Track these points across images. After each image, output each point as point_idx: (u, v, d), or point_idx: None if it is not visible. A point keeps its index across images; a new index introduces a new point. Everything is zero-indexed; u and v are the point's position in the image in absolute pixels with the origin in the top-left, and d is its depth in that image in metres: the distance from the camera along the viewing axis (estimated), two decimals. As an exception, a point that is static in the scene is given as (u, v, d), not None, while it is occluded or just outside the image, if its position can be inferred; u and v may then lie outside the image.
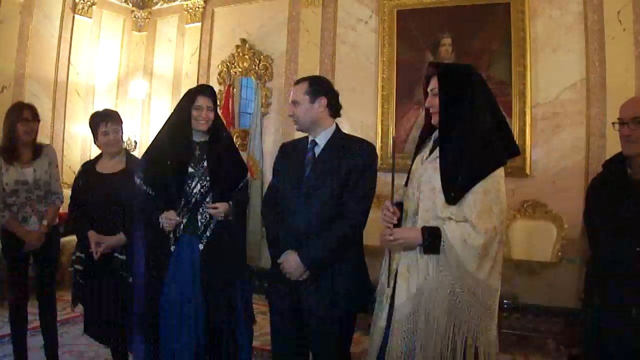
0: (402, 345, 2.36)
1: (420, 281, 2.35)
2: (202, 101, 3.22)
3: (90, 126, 3.66)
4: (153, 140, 3.44)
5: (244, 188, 3.39)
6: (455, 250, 2.26)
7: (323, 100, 2.87)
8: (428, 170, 2.44)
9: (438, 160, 2.42)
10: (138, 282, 3.32)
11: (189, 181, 3.18)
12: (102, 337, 3.65)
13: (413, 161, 2.64)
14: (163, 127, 3.40)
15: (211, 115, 3.25)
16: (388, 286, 2.52)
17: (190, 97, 3.25)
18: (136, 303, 3.28)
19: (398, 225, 2.48)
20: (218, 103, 3.74)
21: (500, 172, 2.39)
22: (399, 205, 2.61)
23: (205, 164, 3.23)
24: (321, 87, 2.91)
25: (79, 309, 3.76)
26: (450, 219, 2.32)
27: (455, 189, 2.33)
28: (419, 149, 2.67)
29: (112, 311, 3.47)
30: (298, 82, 2.96)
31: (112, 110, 3.82)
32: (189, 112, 3.23)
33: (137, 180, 3.28)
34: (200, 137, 3.28)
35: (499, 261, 2.38)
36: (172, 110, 3.44)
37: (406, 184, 2.64)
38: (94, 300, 3.55)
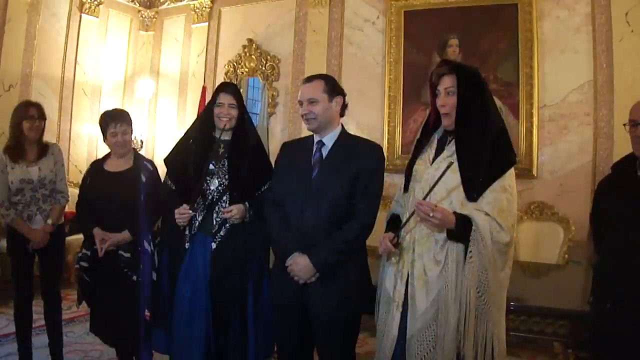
0: (424, 350, 2.35)
1: (441, 280, 2.33)
2: (223, 98, 3.22)
3: (100, 125, 3.66)
4: (182, 137, 3.47)
5: (269, 191, 3.26)
6: (485, 239, 2.26)
7: (340, 99, 2.85)
8: (441, 171, 2.39)
9: (452, 159, 2.39)
10: (147, 279, 3.39)
11: (209, 178, 3.18)
12: (107, 335, 3.64)
13: (413, 163, 2.60)
14: (192, 123, 3.49)
15: (233, 112, 3.22)
16: (395, 290, 2.49)
17: (213, 94, 3.28)
18: (147, 299, 3.36)
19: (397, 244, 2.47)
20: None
21: (512, 170, 2.42)
22: (396, 217, 2.64)
23: (226, 162, 3.23)
24: (337, 86, 2.89)
25: (85, 308, 3.76)
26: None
27: (476, 185, 2.33)
28: (418, 149, 2.63)
29: (116, 309, 3.46)
30: (310, 79, 2.88)
31: (123, 110, 3.82)
32: (211, 110, 3.25)
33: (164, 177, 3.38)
34: (225, 135, 3.28)
35: (511, 258, 2.41)
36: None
37: (405, 189, 2.60)
38: (98, 297, 3.55)
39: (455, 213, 2.31)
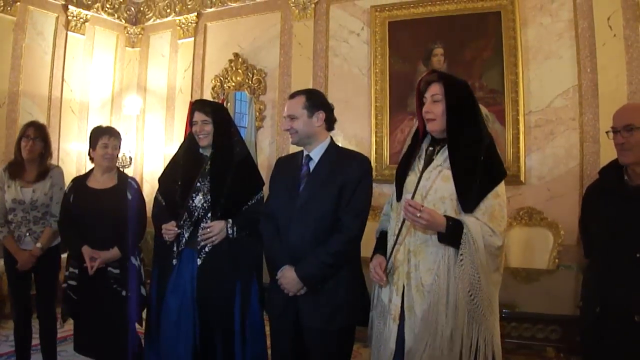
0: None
1: (434, 287, 2.34)
2: (197, 116, 3.26)
3: (91, 137, 3.69)
4: (174, 154, 3.52)
5: (257, 204, 3.31)
6: (477, 242, 2.26)
7: (321, 115, 2.88)
8: (433, 180, 2.42)
9: (443, 169, 2.42)
10: (136, 294, 3.45)
11: (194, 195, 3.19)
12: (97, 352, 3.62)
13: (404, 174, 2.59)
14: (183, 141, 3.57)
15: (207, 128, 3.24)
16: (392, 303, 2.49)
17: (189, 113, 3.31)
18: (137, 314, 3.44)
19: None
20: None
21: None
22: (385, 234, 2.65)
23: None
24: (319, 101, 2.91)
25: (70, 326, 3.75)
26: None
27: (472, 197, 2.35)
28: (409, 157, 2.63)
29: (106, 325, 3.47)
30: (294, 95, 2.93)
31: (115, 129, 3.84)
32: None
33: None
34: (209, 152, 3.30)
35: (502, 263, 2.43)
36: None
37: (398, 199, 2.59)
38: (86, 315, 3.55)
39: (446, 216, 2.32)
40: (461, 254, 2.29)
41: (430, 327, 2.32)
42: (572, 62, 5.49)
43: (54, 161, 6.88)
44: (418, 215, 2.25)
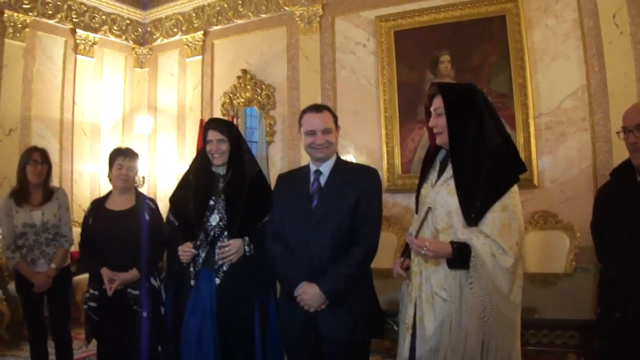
0: None
1: (448, 306, 2.31)
2: (211, 135, 3.24)
3: (109, 158, 3.73)
4: (184, 174, 3.50)
5: (270, 222, 3.25)
6: (486, 265, 2.22)
7: (339, 129, 2.95)
8: (441, 194, 2.40)
9: (450, 182, 2.39)
10: (156, 315, 3.48)
11: (208, 214, 3.18)
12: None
13: (421, 186, 2.60)
14: (193, 160, 3.55)
15: (223, 146, 3.22)
16: (406, 313, 2.50)
17: (203, 132, 3.31)
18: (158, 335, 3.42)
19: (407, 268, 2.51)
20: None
21: (514, 187, 2.37)
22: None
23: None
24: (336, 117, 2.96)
25: (94, 347, 3.77)
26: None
27: (474, 210, 2.30)
28: (424, 172, 2.63)
29: (127, 346, 3.49)
30: (320, 109, 2.91)
31: (132, 150, 3.85)
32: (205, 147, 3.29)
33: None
34: (222, 170, 3.29)
35: (521, 276, 2.37)
36: None
37: (417, 211, 2.60)
38: (108, 336, 3.56)
39: (452, 242, 2.28)
40: (471, 278, 2.25)
41: (441, 341, 2.30)
42: (579, 62, 5.48)
43: (67, 182, 7.07)
44: (423, 252, 2.26)
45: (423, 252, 2.25)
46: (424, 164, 2.66)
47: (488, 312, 2.24)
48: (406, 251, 2.60)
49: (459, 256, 2.25)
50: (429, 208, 2.35)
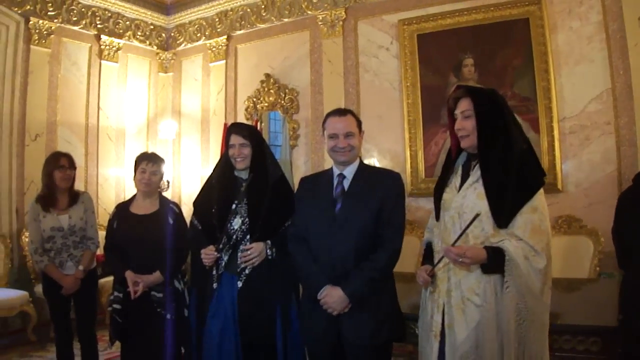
0: None
1: (481, 310, 2.30)
2: (234, 139, 3.28)
3: (135, 162, 3.80)
4: (207, 178, 3.55)
5: (292, 226, 3.24)
6: (520, 268, 2.23)
7: (363, 134, 2.97)
8: (469, 197, 2.39)
9: (478, 185, 2.38)
10: (180, 318, 3.53)
11: (231, 218, 3.21)
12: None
13: (442, 190, 2.57)
14: (216, 165, 3.57)
15: (246, 151, 3.25)
16: (433, 320, 2.47)
17: (226, 136, 3.34)
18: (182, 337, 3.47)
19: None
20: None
21: (541, 189, 2.38)
22: (429, 245, 2.64)
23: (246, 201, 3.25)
24: (360, 121, 2.96)
25: (118, 348, 3.82)
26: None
27: (505, 212, 2.30)
28: (445, 176, 2.61)
29: (151, 348, 3.53)
30: (343, 113, 2.94)
31: (157, 155, 3.91)
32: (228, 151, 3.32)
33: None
34: (245, 174, 3.31)
35: (550, 276, 2.37)
36: None
37: (437, 218, 2.58)
38: (132, 338, 3.61)
39: (486, 247, 2.29)
40: (506, 281, 2.25)
41: (473, 345, 2.29)
42: (604, 65, 5.42)
43: (92, 186, 7.16)
44: (460, 260, 2.26)
45: (461, 259, 2.25)
46: (445, 168, 2.65)
47: (523, 315, 2.25)
48: (427, 258, 2.61)
49: (494, 261, 2.25)
50: (477, 214, 2.31)
